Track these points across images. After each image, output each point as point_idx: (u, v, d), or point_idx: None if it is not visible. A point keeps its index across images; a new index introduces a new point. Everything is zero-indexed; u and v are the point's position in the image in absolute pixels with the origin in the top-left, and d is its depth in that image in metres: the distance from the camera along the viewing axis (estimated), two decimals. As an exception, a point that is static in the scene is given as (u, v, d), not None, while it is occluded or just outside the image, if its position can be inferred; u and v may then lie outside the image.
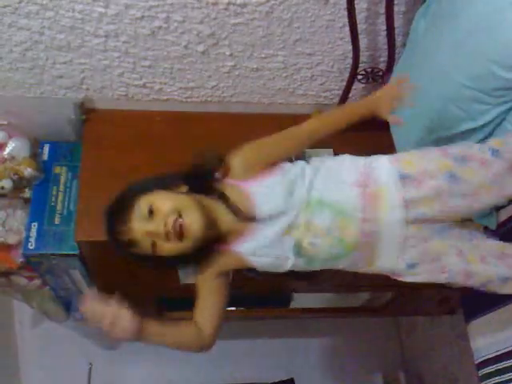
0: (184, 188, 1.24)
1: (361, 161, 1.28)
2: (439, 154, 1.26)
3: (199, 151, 1.25)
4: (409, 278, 1.32)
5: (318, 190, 1.22)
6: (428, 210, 1.22)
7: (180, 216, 1.16)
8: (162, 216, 1.16)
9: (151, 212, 1.17)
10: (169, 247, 1.18)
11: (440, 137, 1.65)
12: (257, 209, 1.22)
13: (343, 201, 1.22)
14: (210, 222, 1.20)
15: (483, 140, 1.57)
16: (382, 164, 1.26)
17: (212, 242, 1.25)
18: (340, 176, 1.24)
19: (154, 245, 1.18)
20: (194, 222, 1.17)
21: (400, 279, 1.33)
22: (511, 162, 1.24)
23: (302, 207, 1.21)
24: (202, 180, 1.24)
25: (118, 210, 1.20)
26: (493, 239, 1.39)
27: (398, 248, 1.25)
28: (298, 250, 1.24)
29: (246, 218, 1.22)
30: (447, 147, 1.29)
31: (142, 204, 1.18)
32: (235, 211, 1.21)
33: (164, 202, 1.18)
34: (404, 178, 1.22)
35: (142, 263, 1.30)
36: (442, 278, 1.31)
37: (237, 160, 1.25)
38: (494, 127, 1.54)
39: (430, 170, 1.23)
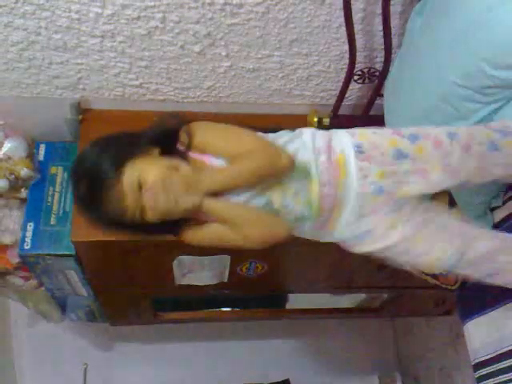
0: (155, 151, 1.21)
1: (326, 132, 1.31)
2: (391, 132, 1.31)
3: (162, 115, 1.26)
4: (356, 248, 1.33)
5: (290, 152, 1.23)
6: (379, 181, 1.25)
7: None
8: (150, 187, 1.17)
9: (139, 185, 1.16)
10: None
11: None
12: None
13: (310, 164, 1.24)
14: None
15: None
16: (342, 135, 1.29)
17: None
18: (312, 144, 1.26)
19: (140, 212, 1.18)
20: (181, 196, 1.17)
21: (350, 249, 1.35)
22: (466, 147, 1.28)
23: None
24: (172, 142, 1.22)
25: (96, 190, 1.17)
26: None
27: (353, 215, 1.27)
28: (270, 209, 1.24)
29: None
30: (403, 128, 1.32)
31: (129, 177, 1.16)
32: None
33: (151, 174, 1.17)
34: (359, 149, 1.25)
35: (131, 232, 1.29)
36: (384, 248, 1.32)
37: (200, 134, 1.23)
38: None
39: (380, 144, 1.26)
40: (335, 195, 1.24)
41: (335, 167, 1.24)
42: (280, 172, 1.22)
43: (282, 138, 1.28)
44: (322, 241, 1.36)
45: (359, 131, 1.31)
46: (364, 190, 1.25)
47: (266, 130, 1.31)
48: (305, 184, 1.24)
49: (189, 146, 1.23)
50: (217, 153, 1.22)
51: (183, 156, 1.23)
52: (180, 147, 1.23)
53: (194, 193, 1.19)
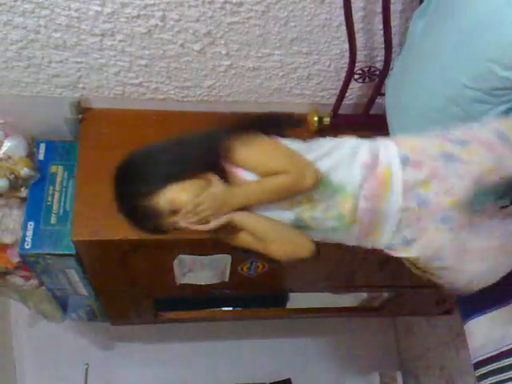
0: (211, 176, 1.25)
1: (373, 144, 1.31)
2: (439, 140, 1.30)
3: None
4: (401, 254, 1.34)
5: (321, 168, 1.25)
6: (426, 191, 1.25)
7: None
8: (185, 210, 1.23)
9: (175, 209, 1.23)
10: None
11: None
12: None
13: (346, 179, 1.25)
14: None
15: None
16: (389, 146, 1.29)
17: None
18: (352, 156, 1.27)
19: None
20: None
21: (392, 254, 1.35)
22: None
23: None
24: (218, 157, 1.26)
25: (141, 191, 1.24)
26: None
27: (395, 226, 1.28)
28: (299, 223, 1.28)
29: None
30: (447, 133, 1.32)
31: (163, 201, 1.23)
32: None
33: (185, 199, 1.23)
34: (405, 161, 1.26)
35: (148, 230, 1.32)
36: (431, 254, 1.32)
37: (243, 151, 1.26)
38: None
39: (430, 153, 1.27)
40: (376, 209, 1.26)
41: (379, 182, 1.25)
42: (304, 190, 1.24)
43: (321, 148, 1.28)
44: (368, 247, 1.36)
45: (408, 141, 1.31)
46: (407, 204, 1.25)
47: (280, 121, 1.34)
48: (336, 199, 1.25)
49: (228, 159, 1.26)
50: (251, 169, 1.26)
51: (219, 167, 1.26)
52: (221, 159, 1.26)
53: (225, 211, 1.24)
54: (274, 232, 1.27)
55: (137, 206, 1.24)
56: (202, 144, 1.27)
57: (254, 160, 1.25)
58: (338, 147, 1.29)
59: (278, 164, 1.23)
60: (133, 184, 1.24)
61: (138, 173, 1.25)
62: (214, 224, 1.24)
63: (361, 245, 1.35)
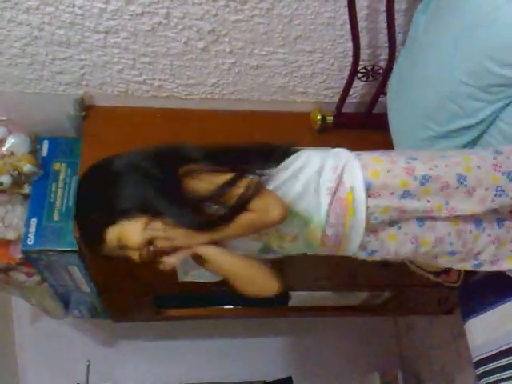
0: (142, 219, 1.23)
1: (337, 162, 1.31)
2: (404, 172, 1.30)
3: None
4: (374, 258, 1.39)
5: (288, 196, 1.25)
6: (386, 217, 1.29)
7: (151, 244, 1.21)
8: (133, 249, 1.23)
9: (121, 246, 1.22)
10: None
11: (436, 134, 1.66)
12: None
13: (312, 209, 1.26)
14: None
15: (478, 137, 1.59)
16: (354, 168, 1.30)
17: None
18: (317, 176, 1.28)
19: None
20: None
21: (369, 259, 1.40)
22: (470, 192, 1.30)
23: None
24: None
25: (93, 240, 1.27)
26: None
27: (358, 244, 1.32)
28: (267, 250, 1.31)
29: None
30: (415, 164, 1.31)
31: (111, 239, 1.22)
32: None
33: (131, 238, 1.22)
34: (369, 187, 1.27)
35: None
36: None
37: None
38: (488, 125, 1.55)
39: (391, 185, 1.28)
40: (341, 233, 1.29)
41: (343, 206, 1.27)
42: (269, 225, 1.23)
43: (288, 169, 1.28)
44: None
45: (373, 167, 1.30)
46: (368, 224, 1.28)
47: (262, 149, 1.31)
48: (304, 230, 1.27)
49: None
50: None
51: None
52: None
53: (192, 244, 1.23)
54: (239, 270, 1.28)
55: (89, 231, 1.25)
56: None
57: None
58: (304, 167, 1.29)
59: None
60: (90, 206, 1.25)
61: (97, 194, 1.24)
62: (178, 256, 1.24)
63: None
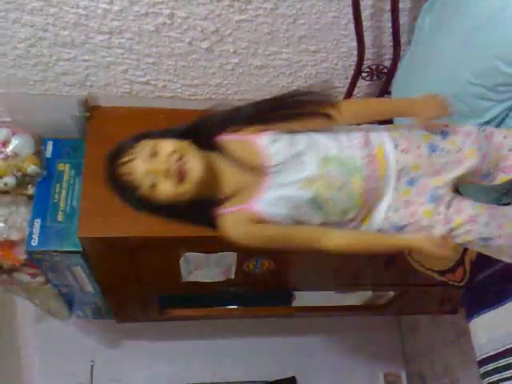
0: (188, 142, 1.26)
1: (360, 126, 1.36)
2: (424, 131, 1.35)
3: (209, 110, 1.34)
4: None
5: (334, 148, 1.28)
6: (416, 172, 1.31)
7: (181, 158, 1.20)
8: (164, 156, 1.20)
9: (154, 153, 1.20)
10: (167, 189, 1.20)
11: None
12: (270, 159, 1.25)
13: (353, 159, 1.28)
14: (212, 176, 1.24)
15: None
16: (377, 127, 1.36)
17: (212, 203, 1.27)
18: (348, 140, 1.31)
19: (153, 186, 1.20)
20: (194, 165, 1.20)
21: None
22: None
23: (320, 162, 1.26)
24: (204, 135, 1.28)
25: (120, 153, 1.23)
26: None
27: (385, 208, 1.31)
28: (317, 202, 1.28)
29: (257, 170, 1.25)
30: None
31: (146, 145, 1.22)
32: (242, 164, 1.25)
33: (167, 143, 1.22)
34: (396, 142, 1.31)
35: (140, 209, 1.28)
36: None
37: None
38: (497, 124, 1.55)
39: (415, 141, 1.32)
40: (377, 188, 1.29)
41: (376, 162, 1.29)
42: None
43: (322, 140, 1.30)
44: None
45: (394, 128, 1.36)
46: (399, 182, 1.30)
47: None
48: (350, 178, 1.28)
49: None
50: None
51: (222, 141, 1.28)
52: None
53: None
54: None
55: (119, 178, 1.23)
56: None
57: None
58: (335, 132, 1.32)
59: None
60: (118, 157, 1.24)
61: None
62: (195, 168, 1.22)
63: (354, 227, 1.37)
